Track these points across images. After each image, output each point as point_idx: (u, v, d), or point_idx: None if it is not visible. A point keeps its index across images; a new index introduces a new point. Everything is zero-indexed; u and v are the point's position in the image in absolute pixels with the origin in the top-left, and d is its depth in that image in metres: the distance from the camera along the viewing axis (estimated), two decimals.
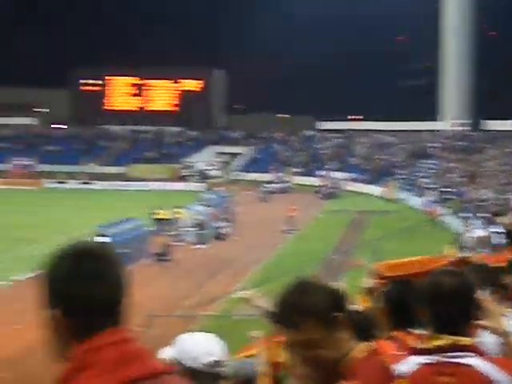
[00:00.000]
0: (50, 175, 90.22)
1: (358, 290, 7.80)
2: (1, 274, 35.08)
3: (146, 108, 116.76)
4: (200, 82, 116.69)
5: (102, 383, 2.33)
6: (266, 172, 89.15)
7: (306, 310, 3.04)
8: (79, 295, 2.40)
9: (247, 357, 6.17)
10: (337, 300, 3.15)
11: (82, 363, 2.37)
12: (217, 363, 4.36)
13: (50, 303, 2.45)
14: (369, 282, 6.41)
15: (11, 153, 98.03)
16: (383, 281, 5.74)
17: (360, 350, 3.17)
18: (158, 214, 49.78)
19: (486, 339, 4.21)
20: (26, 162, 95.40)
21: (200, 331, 4.70)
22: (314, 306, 3.05)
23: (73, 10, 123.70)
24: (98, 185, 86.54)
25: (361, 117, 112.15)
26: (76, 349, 2.40)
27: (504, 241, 23.60)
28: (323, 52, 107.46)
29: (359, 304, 6.74)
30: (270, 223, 54.26)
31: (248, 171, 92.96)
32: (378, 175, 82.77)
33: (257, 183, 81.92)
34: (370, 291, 6.40)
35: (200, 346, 4.36)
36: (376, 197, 73.83)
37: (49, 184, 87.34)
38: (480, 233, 39.59)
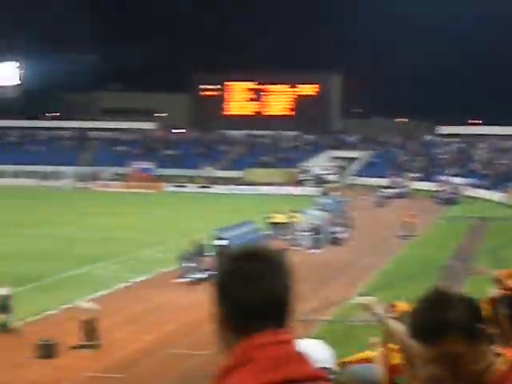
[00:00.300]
0: (168, 179, 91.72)
1: (479, 298, 7.58)
2: (120, 276, 35.80)
3: (263, 113, 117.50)
4: (316, 86, 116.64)
5: (257, 381, 2.38)
6: (383, 177, 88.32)
7: (449, 323, 2.91)
8: (241, 296, 2.47)
9: (362, 361, 6.11)
10: (477, 311, 3.02)
11: (240, 360, 2.44)
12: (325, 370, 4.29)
13: (216, 302, 2.54)
14: (492, 290, 6.22)
15: (131, 157, 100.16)
16: (506, 290, 5.55)
17: (502, 361, 3.03)
18: (274, 217, 49.92)
19: None
20: (145, 165, 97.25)
21: (313, 337, 4.62)
22: (458, 318, 2.93)
23: (193, 18, 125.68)
24: (215, 189, 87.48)
25: (480, 121, 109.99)
26: (236, 346, 2.47)
27: None
28: (440, 53, 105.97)
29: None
30: (387, 228, 53.68)
31: (364, 176, 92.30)
32: (498, 181, 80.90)
33: (373, 188, 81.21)
34: (492, 300, 6.21)
35: (308, 353, 4.29)
36: (496, 203, 72.20)
37: (168, 188, 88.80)
38: None
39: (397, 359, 5.29)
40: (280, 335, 2.46)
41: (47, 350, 23.34)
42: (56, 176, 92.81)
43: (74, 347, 24.22)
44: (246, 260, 2.52)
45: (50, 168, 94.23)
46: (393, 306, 6.33)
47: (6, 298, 26.31)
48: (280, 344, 2.44)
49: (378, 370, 5.33)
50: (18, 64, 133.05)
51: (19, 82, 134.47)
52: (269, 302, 2.47)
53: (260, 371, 2.37)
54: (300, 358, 2.46)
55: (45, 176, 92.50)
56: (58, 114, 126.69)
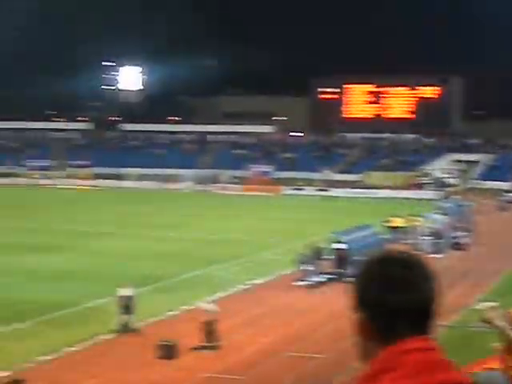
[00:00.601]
0: (286, 182, 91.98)
1: None
2: (239, 278, 36.08)
3: (382, 115, 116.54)
4: (437, 88, 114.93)
5: None
6: (506, 180, 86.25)
7: None
8: (386, 301, 2.43)
9: (486, 369, 5.99)
10: None
11: (387, 365, 2.39)
12: None
13: (357, 306, 2.49)
14: None
15: (250, 160, 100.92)
16: None
17: None
18: (393, 221, 49.40)
19: None
20: (264, 168, 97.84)
21: None
22: None
23: (310, 20, 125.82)
24: (333, 192, 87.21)
25: None
26: (381, 351, 2.43)
27: None
28: None
29: None
30: (510, 233, 52.42)
31: (486, 179, 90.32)
32: None
33: (495, 192, 79.48)
34: None
35: None
36: None
37: (286, 190, 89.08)
38: None
39: None
40: (425, 342, 2.41)
41: (168, 351, 23.67)
42: (177, 179, 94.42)
43: (194, 348, 24.52)
44: (391, 265, 2.47)
45: (170, 171, 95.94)
46: (509, 312, 6.18)
47: (129, 298, 26.84)
48: (425, 351, 2.39)
49: (504, 378, 5.21)
50: (140, 69, 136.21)
51: (142, 87, 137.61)
52: (415, 308, 2.42)
53: (404, 377, 2.32)
54: (445, 364, 2.39)
55: (166, 179, 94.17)
56: (179, 118, 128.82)
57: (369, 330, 2.46)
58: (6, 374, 21.23)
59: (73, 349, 24.47)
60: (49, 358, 23.46)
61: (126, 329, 26.45)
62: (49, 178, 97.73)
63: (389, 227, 49.05)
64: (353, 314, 2.50)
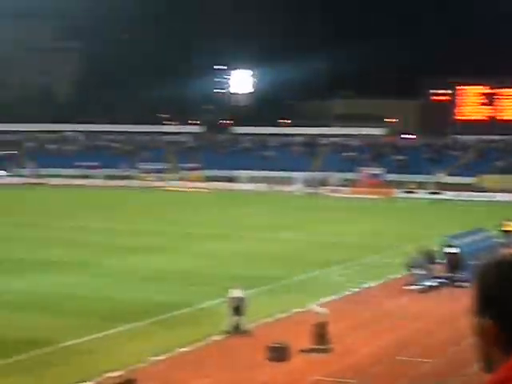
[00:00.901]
0: (397, 185, 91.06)
1: None
2: (350, 281, 35.87)
3: (496, 117, 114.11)
4: None
5: None
6: None
7: None
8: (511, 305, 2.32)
9: None
10: None
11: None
12: None
13: (480, 311, 2.38)
14: None
15: (360, 162, 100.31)
16: None
17: None
18: (508, 225, 48.31)
19: None
20: (374, 171, 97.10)
21: None
22: None
23: (424, 24, 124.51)
24: (446, 195, 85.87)
25: None
26: (506, 358, 2.30)
27: None
28: None
29: None
30: None
31: None
32: None
33: None
34: None
35: None
36: None
37: (397, 193, 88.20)
38: None
39: None
40: None
41: (279, 353, 23.65)
42: (287, 181, 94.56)
43: (305, 351, 24.45)
44: None
45: (281, 173, 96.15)
46: None
47: (240, 300, 26.97)
48: None
49: None
50: (251, 72, 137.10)
51: (252, 90, 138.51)
52: None
53: None
54: None
55: (276, 181, 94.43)
56: (289, 121, 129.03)
57: (493, 335, 2.33)
58: (118, 373, 21.64)
59: (184, 349, 24.73)
60: (160, 358, 23.77)
61: (237, 330, 26.59)
62: (162, 181, 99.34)
63: (503, 231, 48.00)
64: (473, 318, 2.38)
